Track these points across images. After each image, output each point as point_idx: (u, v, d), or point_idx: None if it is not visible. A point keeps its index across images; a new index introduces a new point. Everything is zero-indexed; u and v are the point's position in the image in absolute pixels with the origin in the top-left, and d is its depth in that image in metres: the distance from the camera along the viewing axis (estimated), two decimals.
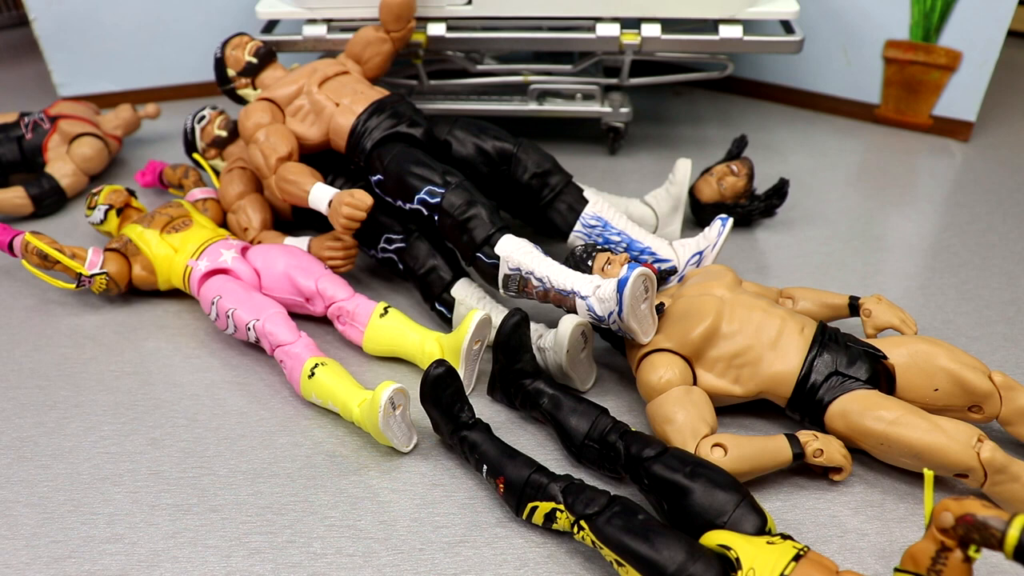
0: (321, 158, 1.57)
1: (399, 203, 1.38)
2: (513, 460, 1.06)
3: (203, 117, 1.74)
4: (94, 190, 1.58)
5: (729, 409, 1.21)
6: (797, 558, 0.85)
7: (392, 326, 1.31)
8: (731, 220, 1.37)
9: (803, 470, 1.11)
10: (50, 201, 1.76)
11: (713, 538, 0.90)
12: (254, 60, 1.60)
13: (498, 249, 1.25)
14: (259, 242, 1.53)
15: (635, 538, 0.91)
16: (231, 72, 1.62)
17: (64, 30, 2.13)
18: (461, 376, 1.20)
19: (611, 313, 1.11)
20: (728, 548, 0.87)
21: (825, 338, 1.15)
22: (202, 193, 1.64)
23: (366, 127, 1.43)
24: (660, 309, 1.21)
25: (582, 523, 0.96)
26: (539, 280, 1.20)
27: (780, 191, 1.63)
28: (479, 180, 1.46)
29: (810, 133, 2.07)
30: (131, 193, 1.59)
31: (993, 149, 1.98)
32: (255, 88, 1.62)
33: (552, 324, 1.38)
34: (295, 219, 1.63)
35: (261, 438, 1.21)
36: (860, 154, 1.97)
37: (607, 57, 1.79)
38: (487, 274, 1.28)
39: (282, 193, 1.42)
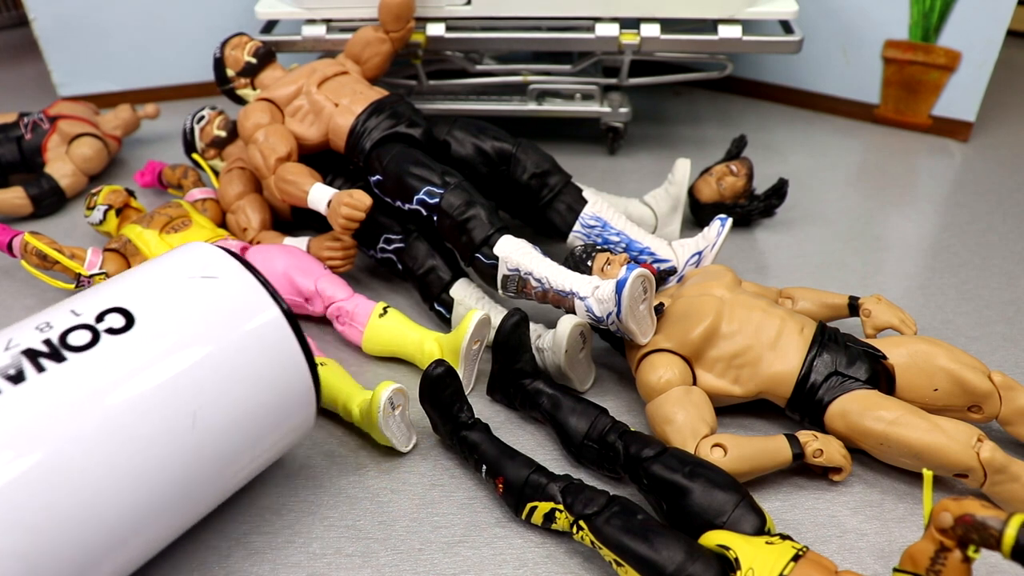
0: (320, 158, 1.57)
1: (398, 203, 1.38)
2: (512, 460, 1.06)
3: (202, 117, 1.74)
4: (93, 190, 1.58)
5: (729, 409, 1.21)
6: (796, 558, 0.85)
7: (391, 326, 1.31)
8: (730, 220, 1.37)
9: (803, 470, 1.11)
10: (49, 201, 1.76)
11: (712, 538, 0.90)
12: (253, 60, 1.60)
13: (497, 250, 1.25)
14: (258, 242, 1.53)
15: (634, 538, 0.91)
16: (230, 72, 1.62)
17: (64, 30, 2.13)
18: (460, 376, 1.20)
19: (609, 314, 1.11)
20: (727, 548, 0.87)
21: (825, 338, 1.15)
22: (201, 193, 1.64)
23: (365, 127, 1.43)
24: (659, 309, 1.21)
25: (581, 523, 0.96)
26: (538, 281, 1.20)
27: (779, 191, 1.63)
28: (478, 180, 1.46)
29: (810, 133, 2.07)
30: (130, 193, 1.59)
31: (993, 149, 1.98)
32: (254, 88, 1.62)
33: (551, 324, 1.38)
34: (294, 219, 1.63)
35: None
36: (860, 154, 1.97)
37: (606, 57, 1.79)
38: (486, 274, 1.28)
39: (281, 193, 1.42)
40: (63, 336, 0.84)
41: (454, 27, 1.73)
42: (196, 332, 0.89)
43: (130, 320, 0.87)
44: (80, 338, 0.84)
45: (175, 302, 0.90)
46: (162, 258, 0.98)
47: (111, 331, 0.85)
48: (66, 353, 0.82)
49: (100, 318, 0.86)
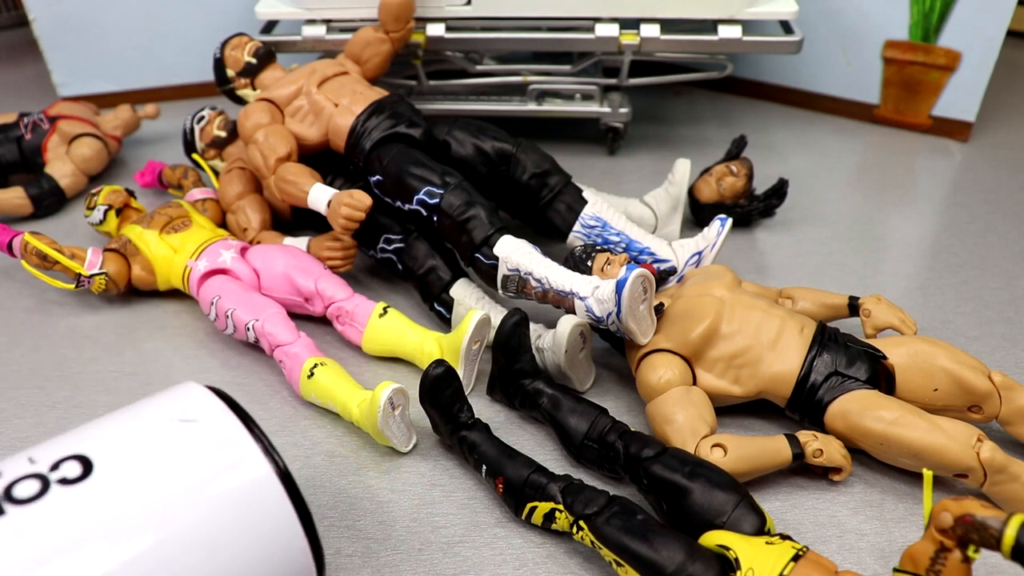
0: (320, 158, 1.57)
1: (398, 203, 1.38)
2: (512, 460, 1.06)
3: (202, 118, 1.74)
4: (93, 190, 1.58)
5: (729, 409, 1.21)
6: (796, 558, 0.85)
7: (391, 326, 1.31)
8: (730, 220, 1.37)
9: (803, 470, 1.11)
10: (49, 201, 1.76)
11: (712, 538, 0.90)
12: (253, 60, 1.60)
13: (497, 250, 1.25)
14: (258, 242, 1.53)
15: (634, 538, 0.91)
16: (230, 72, 1.62)
17: (64, 30, 2.13)
18: (460, 376, 1.20)
19: (609, 314, 1.11)
20: (727, 548, 0.87)
21: (825, 338, 1.15)
22: (201, 193, 1.64)
23: (365, 127, 1.43)
24: (659, 309, 1.21)
25: (581, 523, 0.96)
26: (538, 281, 1.20)
27: (779, 191, 1.63)
28: (478, 180, 1.46)
29: (810, 133, 2.07)
30: (130, 193, 1.59)
31: (993, 149, 1.98)
32: (254, 88, 1.62)
33: (551, 324, 1.38)
34: (294, 219, 1.64)
35: None
36: (860, 154, 1.97)
37: (606, 57, 1.79)
38: (486, 275, 1.28)
39: (281, 194, 1.42)
40: (8, 488, 0.71)
41: (454, 27, 1.73)
42: (165, 488, 0.73)
43: (88, 468, 0.73)
44: (27, 489, 0.70)
45: (145, 447, 0.76)
46: (147, 400, 0.84)
47: (63, 481, 0.72)
48: (6, 506, 0.69)
49: (56, 466, 0.73)
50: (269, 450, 0.78)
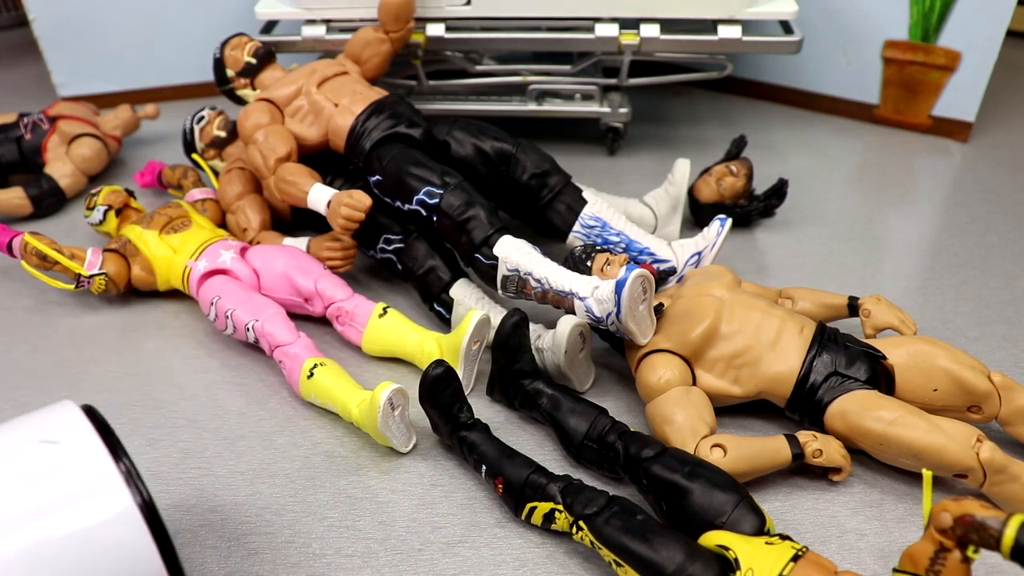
0: (320, 158, 1.57)
1: (398, 204, 1.38)
2: (512, 460, 1.06)
3: (202, 118, 1.74)
4: (93, 191, 1.58)
5: (729, 409, 1.21)
6: (796, 558, 0.85)
7: (391, 326, 1.31)
8: (730, 220, 1.37)
9: (802, 470, 1.11)
10: (49, 202, 1.76)
11: (712, 538, 0.90)
12: (253, 61, 1.60)
13: (496, 250, 1.25)
14: (258, 242, 1.53)
15: (634, 538, 0.91)
16: (230, 72, 1.62)
17: (64, 30, 2.13)
18: (460, 376, 1.20)
19: (609, 314, 1.11)
20: (727, 548, 0.87)
21: (824, 338, 1.15)
22: (201, 194, 1.64)
23: (365, 127, 1.43)
24: (659, 310, 1.21)
25: (581, 523, 0.96)
26: (537, 281, 1.20)
27: (779, 191, 1.63)
28: (478, 181, 1.46)
29: (809, 133, 2.07)
30: (130, 193, 1.59)
31: (993, 149, 1.98)
32: (254, 89, 1.62)
33: (551, 325, 1.38)
34: (294, 219, 1.63)
35: (260, 439, 1.21)
36: (859, 154, 1.97)
37: (606, 57, 1.79)
38: (486, 275, 1.28)
39: (281, 194, 1.42)
40: None
41: (454, 27, 1.73)
42: (9, 513, 0.69)
43: None
44: None
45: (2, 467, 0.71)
46: (18, 419, 0.80)
47: None
48: None
49: None
50: (133, 479, 0.72)
